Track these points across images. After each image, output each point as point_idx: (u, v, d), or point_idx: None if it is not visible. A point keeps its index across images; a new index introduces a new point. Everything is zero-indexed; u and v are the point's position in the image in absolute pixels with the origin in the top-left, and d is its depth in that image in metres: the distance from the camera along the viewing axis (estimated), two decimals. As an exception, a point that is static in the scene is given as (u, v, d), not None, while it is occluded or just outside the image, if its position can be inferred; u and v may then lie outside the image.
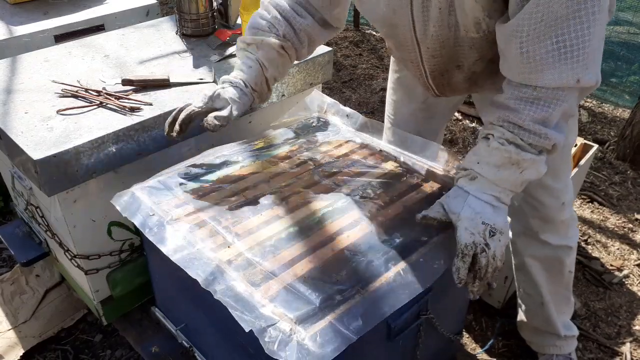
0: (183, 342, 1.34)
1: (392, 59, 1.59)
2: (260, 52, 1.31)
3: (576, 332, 1.70)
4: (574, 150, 1.98)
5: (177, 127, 1.24)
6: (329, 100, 1.61)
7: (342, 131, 1.52)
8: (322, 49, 1.75)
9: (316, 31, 1.35)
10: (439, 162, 1.38)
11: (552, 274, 1.56)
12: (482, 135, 1.09)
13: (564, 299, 1.64)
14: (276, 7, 1.32)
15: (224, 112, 1.24)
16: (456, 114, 3.29)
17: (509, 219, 1.08)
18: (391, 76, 1.60)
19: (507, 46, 1.04)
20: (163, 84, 1.52)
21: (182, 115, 1.24)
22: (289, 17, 1.31)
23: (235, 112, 1.26)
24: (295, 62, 1.42)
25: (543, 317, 1.65)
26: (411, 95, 1.55)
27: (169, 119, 1.26)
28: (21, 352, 1.76)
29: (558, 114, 1.02)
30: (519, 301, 1.71)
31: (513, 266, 1.64)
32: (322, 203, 1.23)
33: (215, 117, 1.22)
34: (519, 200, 1.47)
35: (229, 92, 1.27)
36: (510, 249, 1.62)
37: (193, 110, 1.25)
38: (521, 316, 1.73)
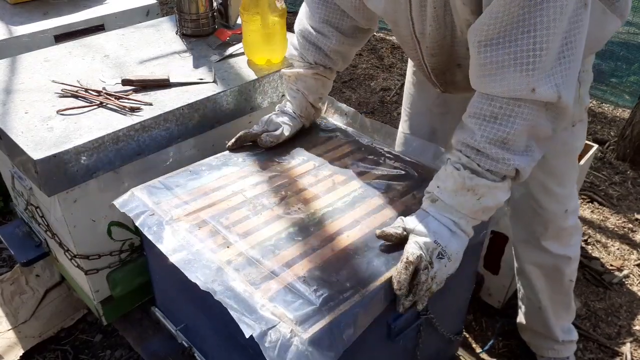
0: (183, 342, 1.34)
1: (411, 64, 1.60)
2: (299, 82, 1.45)
3: (575, 337, 1.70)
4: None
5: (233, 140, 1.41)
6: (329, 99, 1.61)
7: (342, 131, 1.52)
8: (322, 49, 1.75)
9: (345, 46, 1.41)
10: (437, 161, 1.38)
11: (551, 282, 1.56)
12: (445, 158, 1.08)
13: (564, 306, 1.63)
14: (303, 35, 1.41)
15: (276, 133, 1.41)
16: (456, 114, 3.29)
17: (461, 248, 1.05)
18: (409, 69, 1.62)
19: (470, 48, 1.02)
20: (163, 84, 1.52)
21: (240, 133, 1.41)
22: (316, 42, 1.39)
23: (286, 133, 1.42)
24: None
25: (541, 321, 1.65)
26: (426, 90, 1.55)
27: (233, 139, 1.42)
28: (21, 352, 1.76)
29: (520, 135, 0.98)
30: (519, 303, 1.71)
31: (515, 269, 1.64)
32: (322, 203, 1.23)
33: (268, 136, 1.39)
34: (523, 204, 1.45)
35: (281, 117, 1.44)
36: (513, 253, 1.62)
37: (249, 131, 1.42)
38: (520, 318, 1.73)
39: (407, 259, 1.00)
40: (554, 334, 1.65)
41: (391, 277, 1.01)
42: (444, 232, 1.03)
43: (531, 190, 1.41)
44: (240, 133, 1.41)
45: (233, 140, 1.41)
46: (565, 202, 1.42)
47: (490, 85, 0.98)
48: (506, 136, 0.98)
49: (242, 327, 0.92)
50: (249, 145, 1.43)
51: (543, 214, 1.43)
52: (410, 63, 1.61)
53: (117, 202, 1.22)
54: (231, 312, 0.94)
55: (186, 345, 1.33)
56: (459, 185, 1.02)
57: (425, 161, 1.39)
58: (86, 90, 1.48)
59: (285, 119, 1.44)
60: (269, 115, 1.45)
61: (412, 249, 1.01)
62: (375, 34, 4.38)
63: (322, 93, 1.48)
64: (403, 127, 1.62)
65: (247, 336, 0.90)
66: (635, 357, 1.86)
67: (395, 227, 1.08)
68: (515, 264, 1.62)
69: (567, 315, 1.66)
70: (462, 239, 1.05)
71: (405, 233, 1.06)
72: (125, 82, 1.50)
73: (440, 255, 1.01)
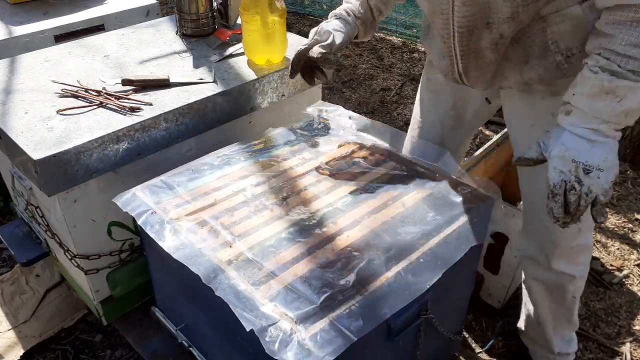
0: (183, 342, 1.34)
1: (426, 60, 1.55)
2: None
3: (574, 348, 1.66)
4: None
5: (290, 68, 1.39)
6: (330, 107, 1.60)
7: (343, 132, 1.52)
8: (322, 49, 1.75)
9: None
10: (440, 163, 1.38)
11: (553, 298, 1.52)
12: (582, 64, 1.03)
13: (565, 321, 1.59)
14: None
15: (327, 41, 1.31)
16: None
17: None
18: (423, 77, 1.57)
19: None
20: (163, 84, 1.52)
21: (292, 58, 1.35)
22: None
23: (337, 41, 1.32)
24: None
25: (539, 333, 1.63)
26: (439, 101, 1.51)
27: (289, 68, 1.39)
28: (21, 352, 1.76)
29: None
30: (522, 309, 1.69)
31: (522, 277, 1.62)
32: (322, 203, 1.23)
33: (320, 46, 1.31)
34: (535, 220, 1.40)
35: (332, 24, 1.35)
36: (513, 254, 1.58)
37: (300, 48, 1.34)
38: (520, 324, 1.72)
39: (551, 192, 1.01)
40: (551, 345, 1.62)
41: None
42: (582, 146, 0.99)
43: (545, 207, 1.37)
44: (297, 52, 1.36)
45: (290, 69, 1.39)
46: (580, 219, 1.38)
47: None
48: None
49: (243, 321, 0.92)
50: (248, 145, 1.44)
51: (555, 231, 1.37)
52: (424, 72, 1.55)
53: (119, 202, 1.23)
54: (232, 308, 0.94)
55: (186, 345, 1.33)
56: (596, 89, 0.97)
57: (426, 162, 1.39)
58: (86, 90, 1.48)
59: (337, 24, 1.35)
60: (321, 24, 1.37)
61: (552, 178, 1.01)
62: (375, 34, 4.38)
63: (384, 4, 1.39)
64: (412, 134, 1.57)
65: (247, 330, 0.91)
66: (635, 357, 1.86)
67: (534, 149, 1.06)
68: (522, 274, 1.60)
69: (569, 326, 1.62)
70: (605, 145, 1.00)
71: (542, 157, 1.05)
72: (125, 82, 1.50)
73: (586, 171, 0.99)
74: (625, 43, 0.95)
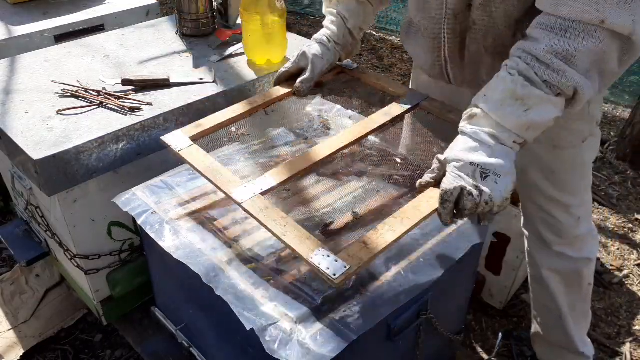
0: (183, 342, 1.34)
1: (413, 66, 1.53)
2: (340, 5, 1.37)
3: (592, 352, 1.63)
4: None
5: (273, 81, 1.41)
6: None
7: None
8: (322, 49, 1.75)
9: None
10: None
11: (570, 287, 1.51)
12: (502, 65, 0.99)
13: (582, 313, 1.58)
14: None
15: (307, 74, 1.33)
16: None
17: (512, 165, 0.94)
18: (411, 85, 1.56)
19: None
20: (163, 84, 1.52)
21: (277, 74, 1.40)
22: None
23: (317, 71, 1.35)
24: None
25: (561, 331, 1.58)
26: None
27: (274, 80, 1.42)
28: (21, 352, 1.76)
29: (586, 55, 0.89)
30: (534, 313, 1.64)
31: (529, 277, 1.59)
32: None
33: (301, 82, 1.33)
34: (534, 215, 1.42)
35: (313, 49, 1.35)
36: (527, 261, 1.56)
37: (282, 71, 1.38)
38: (536, 328, 1.65)
39: (442, 198, 0.93)
40: (574, 344, 1.58)
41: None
42: (483, 149, 0.93)
43: (541, 204, 1.38)
44: (277, 74, 1.40)
45: (274, 82, 1.41)
46: (576, 211, 1.38)
47: (559, 7, 0.91)
48: (572, 51, 0.90)
49: (243, 321, 0.92)
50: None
51: (554, 224, 1.39)
52: (413, 80, 1.54)
53: (119, 202, 1.23)
54: (232, 307, 0.94)
55: (186, 345, 1.33)
56: (509, 92, 0.93)
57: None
58: (86, 90, 1.48)
59: (317, 51, 1.34)
60: (303, 47, 1.36)
61: (446, 183, 0.93)
62: (375, 34, 4.37)
63: (364, 22, 1.39)
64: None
65: (247, 329, 0.91)
66: (635, 357, 1.86)
67: (431, 170, 0.99)
68: (530, 271, 1.57)
69: (585, 324, 1.60)
70: (504, 152, 0.93)
71: (441, 173, 0.97)
72: (125, 82, 1.50)
73: (483, 175, 0.92)
74: (548, 49, 0.91)
